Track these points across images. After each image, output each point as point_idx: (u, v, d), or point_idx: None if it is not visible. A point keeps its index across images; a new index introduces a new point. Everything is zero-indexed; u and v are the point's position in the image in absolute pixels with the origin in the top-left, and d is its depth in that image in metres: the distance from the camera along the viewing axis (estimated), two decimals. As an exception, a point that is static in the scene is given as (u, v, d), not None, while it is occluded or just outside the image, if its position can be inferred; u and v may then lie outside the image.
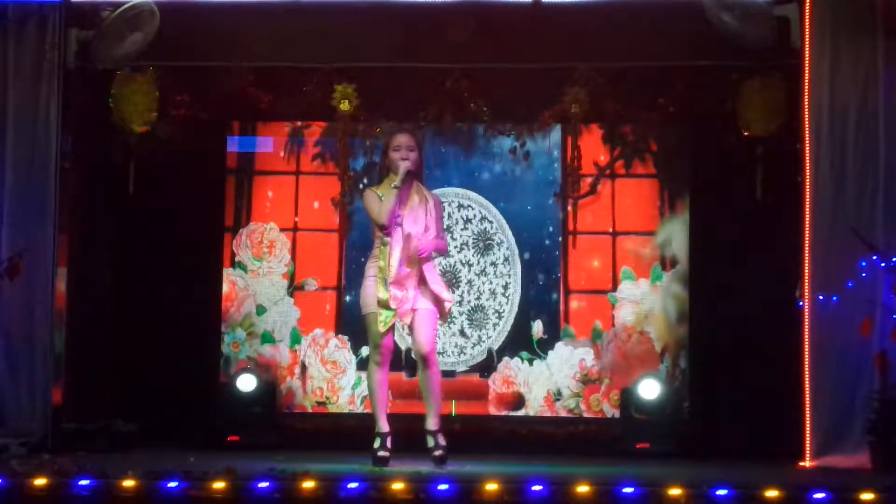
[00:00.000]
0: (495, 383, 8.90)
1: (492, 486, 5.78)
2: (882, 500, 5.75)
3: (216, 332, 8.96)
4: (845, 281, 7.40)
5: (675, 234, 8.90)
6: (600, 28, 8.14)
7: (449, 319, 8.67)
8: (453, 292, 8.83)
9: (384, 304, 7.02)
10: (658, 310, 8.88)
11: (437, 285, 7.12)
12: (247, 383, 8.50)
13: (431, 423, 7.06)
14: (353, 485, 5.79)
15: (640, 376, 8.54)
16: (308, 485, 5.81)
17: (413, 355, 7.29)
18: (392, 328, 7.12)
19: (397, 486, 5.80)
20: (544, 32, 8.13)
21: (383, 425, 7.10)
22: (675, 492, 5.76)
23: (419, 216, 7.10)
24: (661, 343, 8.86)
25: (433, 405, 7.07)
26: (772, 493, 5.76)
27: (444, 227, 7.41)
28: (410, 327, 7.13)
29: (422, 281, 7.08)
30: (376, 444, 7.08)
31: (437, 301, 7.11)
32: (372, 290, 7.08)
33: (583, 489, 5.77)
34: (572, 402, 8.86)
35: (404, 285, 7.01)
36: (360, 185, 8.90)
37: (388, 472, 6.41)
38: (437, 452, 6.97)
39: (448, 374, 8.80)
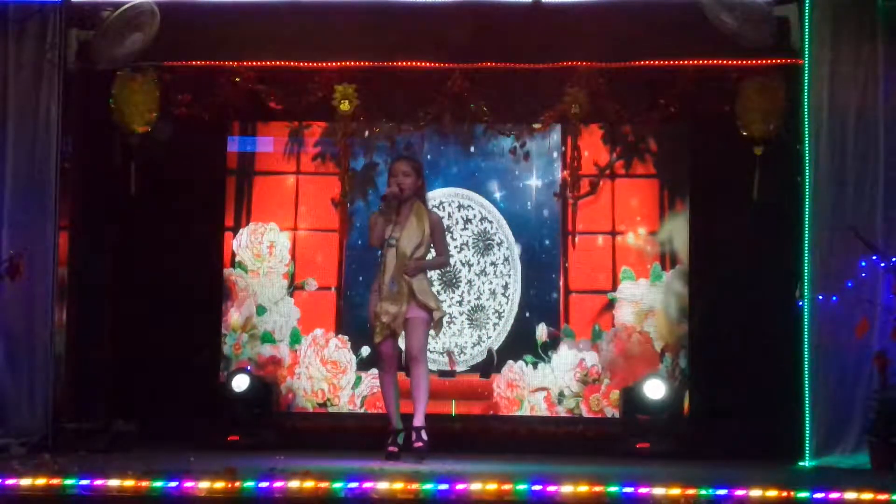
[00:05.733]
0: (500, 387, 8.91)
1: (491, 486, 5.78)
2: (882, 500, 5.74)
3: (216, 332, 8.96)
4: (845, 281, 7.40)
5: (675, 234, 8.90)
6: (600, 28, 8.14)
7: (449, 319, 8.69)
8: (454, 292, 8.87)
9: (378, 317, 7.47)
10: (658, 309, 8.88)
11: (424, 297, 7.48)
12: (241, 383, 8.50)
13: (415, 420, 7.47)
14: (352, 485, 5.79)
15: (641, 377, 8.54)
16: (308, 485, 5.81)
17: (404, 358, 7.71)
18: (392, 337, 7.48)
19: (396, 485, 5.80)
20: (544, 32, 8.14)
21: (394, 422, 7.55)
22: (674, 492, 5.75)
23: (414, 237, 7.48)
24: (661, 343, 8.86)
25: (419, 404, 7.47)
26: (771, 493, 5.76)
27: (445, 244, 7.79)
28: (405, 334, 7.55)
29: (413, 293, 7.47)
30: (389, 440, 7.48)
31: (429, 310, 7.53)
32: (371, 304, 7.58)
33: (582, 489, 5.77)
34: (572, 402, 8.86)
35: (396, 301, 7.44)
36: (360, 186, 8.96)
37: (388, 471, 6.40)
38: (417, 444, 7.38)
39: (448, 374, 8.82)
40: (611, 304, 8.90)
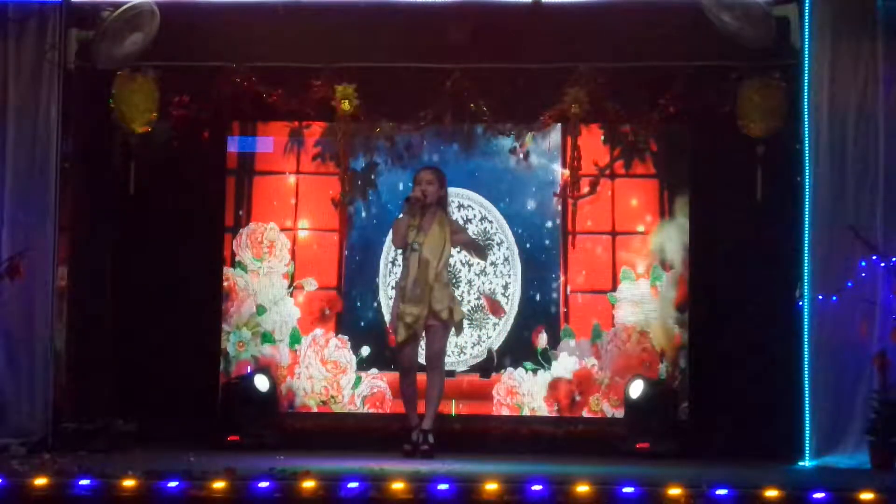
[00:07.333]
0: (499, 393, 8.90)
1: (492, 486, 5.78)
2: (882, 500, 5.74)
3: (216, 331, 8.96)
4: (845, 281, 7.41)
5: (675, 234, 8.89)
6: (600, 28, 8.14)
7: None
8: (454, 290, 8.91)
9: (402, 319, 7.76)
10: (658, 310, 8.87)
11: (440, 305, 7.74)
12: (262, 383, 8.51)
13: (425, 423, 7.80)
14: (353, 485, 5.80)
15: (635, 376, 8.55)
16: (308, 485, 5.82)
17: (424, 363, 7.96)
18: (414, 340, 7.79)
19: (397, 486, 5.81)
20: (544, 32, 8.14)
21: (410, 420, 7.86)
22: (674, 492, 5.76)
23: (436, 246, 7.76)
24: (660, 343, 8.85)
25: (430, 408, 7.84)
26: (772, 493, 5.77)
27: (472, 235, 8.42)
28: (425, 340, 7.85)
29: (431, 299, 7.75)
30: (412, 436, 7.79)
31: (450, 316, 7.82)
32: (394, 307, 7.91)
33: (583, 489, 5.78)
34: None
35: (418, 303, 7.72)
36: (360, 186, 8.96)
37: (389, 471, 6.40)
38: (424, 447, 7.71)
39: (448, 374, 8.81)
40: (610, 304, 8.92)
